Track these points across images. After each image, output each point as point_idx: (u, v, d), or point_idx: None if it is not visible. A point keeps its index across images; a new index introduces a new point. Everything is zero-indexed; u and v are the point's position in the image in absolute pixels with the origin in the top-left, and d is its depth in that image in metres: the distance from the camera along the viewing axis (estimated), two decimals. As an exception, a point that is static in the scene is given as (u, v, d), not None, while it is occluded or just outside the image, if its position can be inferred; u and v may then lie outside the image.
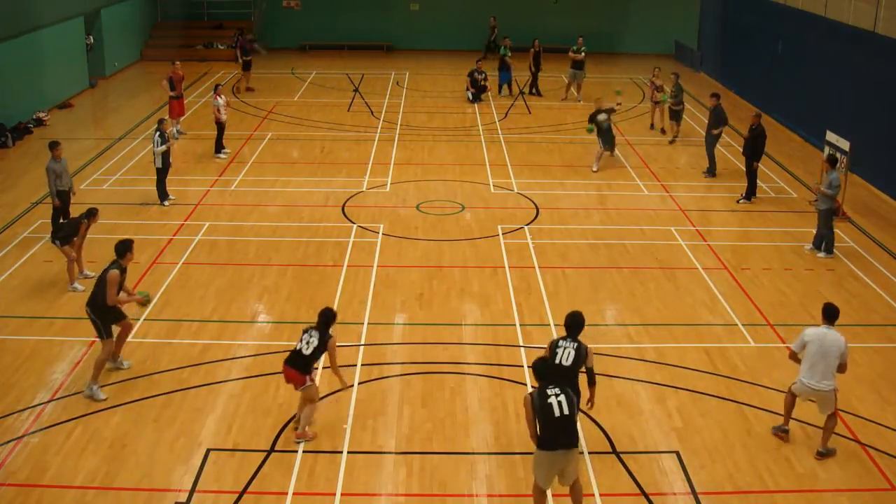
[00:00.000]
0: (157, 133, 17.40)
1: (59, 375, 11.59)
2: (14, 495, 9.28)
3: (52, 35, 25.48)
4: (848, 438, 10.53)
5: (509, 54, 27.55)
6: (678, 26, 35.12)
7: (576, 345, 9.67)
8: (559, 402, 8.52)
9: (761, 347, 12.66)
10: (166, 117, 19.18)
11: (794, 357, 10.27)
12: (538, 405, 8.56)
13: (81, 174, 19.67)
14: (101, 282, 11.14)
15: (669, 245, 16.29)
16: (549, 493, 9.25)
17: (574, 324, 9.81)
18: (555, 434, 8.57)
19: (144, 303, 12.16)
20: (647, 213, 17.98)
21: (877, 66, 20.02)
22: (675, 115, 22.88)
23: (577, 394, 9.44)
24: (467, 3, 35.42)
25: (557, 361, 9.56)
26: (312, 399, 10.29)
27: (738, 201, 18.57)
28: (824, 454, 10.18)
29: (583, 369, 9.68)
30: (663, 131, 23.62)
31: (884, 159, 19.41)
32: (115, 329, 11.45)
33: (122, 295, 11.47)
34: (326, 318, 10.20)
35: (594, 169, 20.55)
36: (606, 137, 20.66)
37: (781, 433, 10.50)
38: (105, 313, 11.21)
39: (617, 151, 21.33)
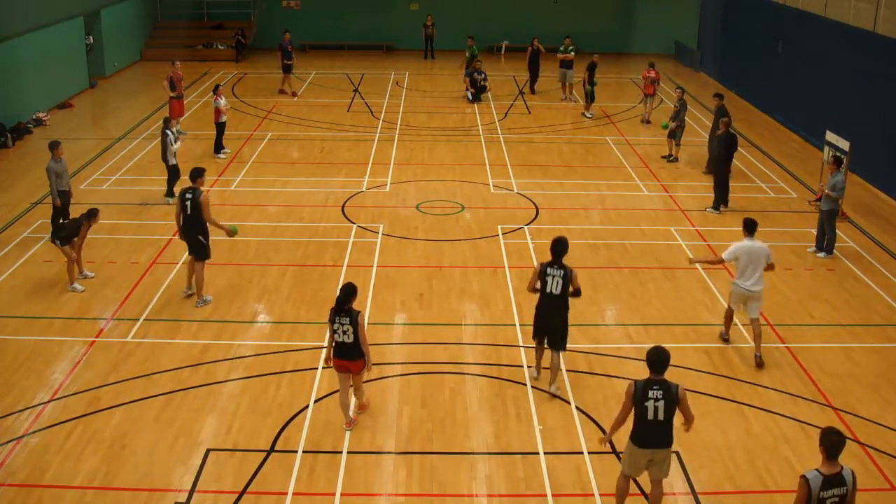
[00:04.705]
0: (168, 131, 17.50)
1: (59, 375, 11.59)
2: (14, 495, 9.28)
3: (52, 35, 25.46)
4: (848, 438, 10.48)
5: (467, 53, 27.63)
6: (678, 26, 35.10)
7: (562, 272, 10.47)
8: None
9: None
10: (168, 116, 19.20)
11: (718, 262, 12.46)
12: None
13: (81, 174, 19.67)
14: (196, 204, 13.09)
15: (669, 245, 16.28)
16: (549, 493, 9.26)
17: (559, 249, 10.61)
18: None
19: (232, 234, 13.84)
20: (647, 213, 17.97)
21: (877, 66, 20.02)
22: (672, 133, 21.16)
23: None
24: (467, 3, 35.40)
25: (548, 291, 10.35)
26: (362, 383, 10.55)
27: (708, 209, 17.90)
28: (760, 359, 11.95)
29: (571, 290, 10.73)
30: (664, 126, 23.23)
31: (884, 159, 19.41)
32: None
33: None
34: (346, 293, 10.02)
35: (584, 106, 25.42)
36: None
37: (723, 339, 12.63)
38: (207, 234, 13.25)
39: (589, 113, 25.28)
